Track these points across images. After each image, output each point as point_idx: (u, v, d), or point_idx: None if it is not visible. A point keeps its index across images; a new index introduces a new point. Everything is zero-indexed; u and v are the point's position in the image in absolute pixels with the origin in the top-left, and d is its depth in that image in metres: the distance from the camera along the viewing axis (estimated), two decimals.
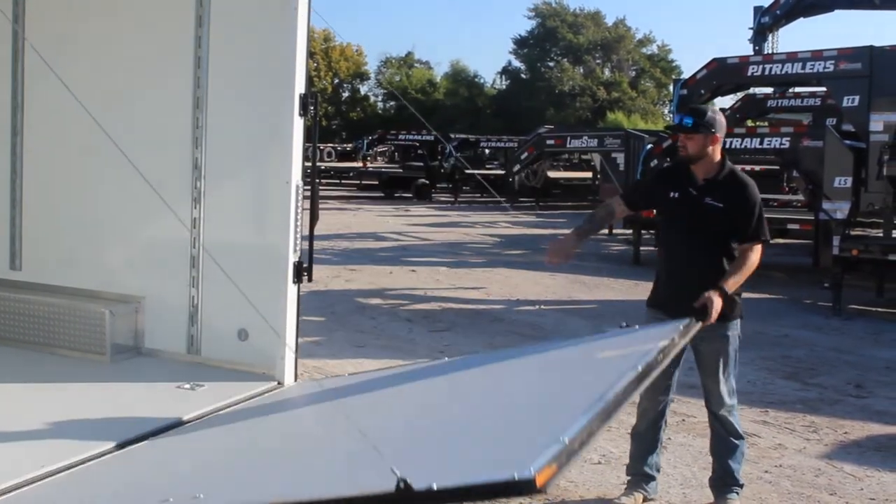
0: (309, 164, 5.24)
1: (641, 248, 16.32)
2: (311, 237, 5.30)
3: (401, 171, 37.27)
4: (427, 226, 23.28)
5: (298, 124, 5.16)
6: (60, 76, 5.88)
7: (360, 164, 38.51)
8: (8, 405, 4.69)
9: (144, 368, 5.51)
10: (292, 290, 5.26)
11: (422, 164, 35.99)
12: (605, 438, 6.08)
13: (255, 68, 5.31)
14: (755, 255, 4.92)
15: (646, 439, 5.28)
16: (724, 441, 5.16)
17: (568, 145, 19.81)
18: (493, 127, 51.86)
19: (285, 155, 5.14)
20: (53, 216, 6.05)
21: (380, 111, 75.20)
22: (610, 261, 16.86)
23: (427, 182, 35.40)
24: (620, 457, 5.65)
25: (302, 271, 5.29)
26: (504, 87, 71.96)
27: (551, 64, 68.37)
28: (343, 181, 39.69)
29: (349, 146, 43.80)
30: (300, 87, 5.13)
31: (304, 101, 5.15)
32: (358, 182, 38.27)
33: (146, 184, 5.61)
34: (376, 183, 36.33)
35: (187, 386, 5.07)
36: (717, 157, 5.05)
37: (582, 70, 67.55)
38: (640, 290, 13.16)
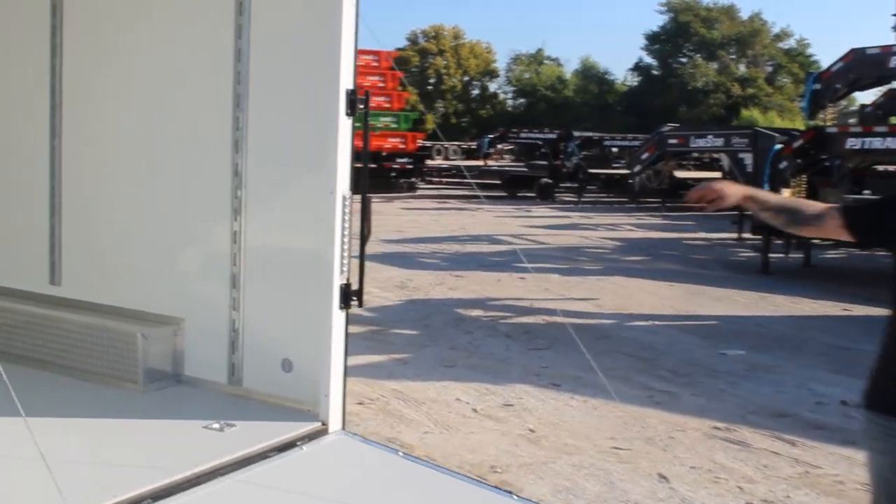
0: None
1: (771, 256, 15.06)
2: (361, 256, 4.55)
3: (525, 169, 36.43)
4: (545, 228, 22.39)
5: (345, 125, 4.45)
6: (97, 77, 5.42)
7: (481, 163, 37.83)
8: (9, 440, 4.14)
9: (176, 401, 4.88)
10: (338, 316, 4.55)
11: (546, 162, 35.01)
12: None
13: (296, 60, 4.61)
14: None
15: None
16: None
17: (691, 145, 18.62)
18: (624, 125, 50.57)
19: (329, 160, 4.43)
20: (92, 227, 5.51)
21: (509, 108, 74.61)
22: (736, 269, 15.67)
23: (550, 181, 34.38)
24: None
25: (350, 295, 4.56)
26: (635, 83, 70.27)
27: (684, 60, 66.49)
28: (464, 180, 39.06)
29: (474, 144, 43.24)
30: (347, 82, 4.41)
31: (352, 99, 4.43)
32: (479, 181, 37.55)
33: (185, 192, 5.13)
34: (498, 182, 35.50)
35: (216, 426, 4.43)
36: None
37: (716, 66, 65.33)
38: (765, 304, 12.10)
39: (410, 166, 34.76)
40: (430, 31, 79.72)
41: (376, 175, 31.61)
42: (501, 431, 6.39)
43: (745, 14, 67.83)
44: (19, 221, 5.79)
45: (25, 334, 5.41)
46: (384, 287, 12.60)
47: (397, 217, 24.35)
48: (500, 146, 39.90)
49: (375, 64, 34.39)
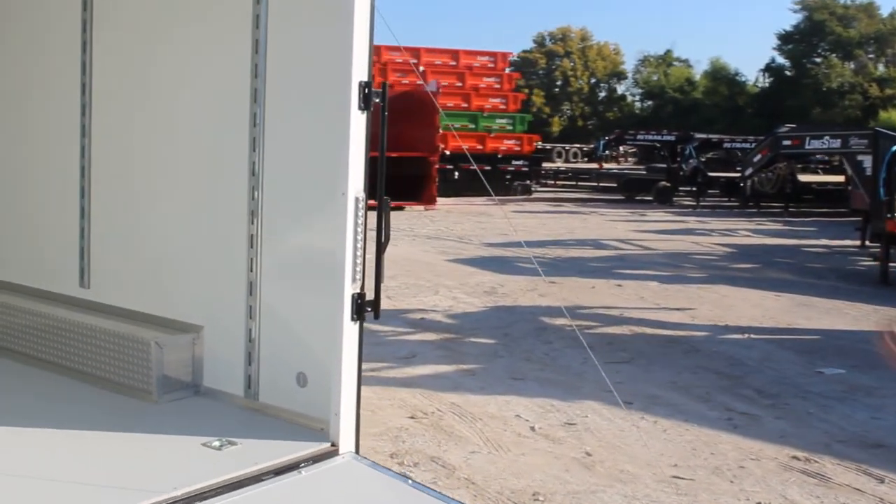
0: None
1: (892, 265, 14.08)
2: (378, 265, 4.18)
3: (643, 172, 35.56)
4: (657, 233, 21.64)
5: (358, 121, 4.06)
6: (125, 75, 5.20)
7: (596, 166, 37.10)
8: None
9: (185, 414, 4.57)
10: (350, 328, 4.16)
11: (665, 165, 34.04)
12: None
13: (310, 50, 4.26)
14: None
15: None
16: None
17: (806, 146, 17.61)
18: (754, 127, 48.91)
19: (340, 159, 4.06)
20: (120, 228, 5.28)
21: (637, 111, 73.50)
22: (852, 279, 14.72)
23: (669, 185, 33.39)
24: None
25: (364, 306, 4.18)
26: (766, 85, 68.11)
27: (818, 60, 64.10)
28: (580, 183, 38.43)
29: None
30: (360, 73, 4.04)
31: (366, 93, 4.05)
32: (595, 184, 36.83)
33: (205, 192, 4.85)
34: (615, 185, 34.72)
35: (216, 444, 4.09)
36: None
37: (852, 65, 62.76)
38: (878, 318, 11.22)
39: (526, 169, 34.28)
40: (557, 32, 79.23)
41: (490, 178, 31.30)
42: (555, 454, 5.93)
43: (885, 11, 65.11)
44: (50, 222, 5.62)
45: (48, 337, 5.25)
46: (471, 293, 12.23)
47: (506, 220, 23.96)
48: (620, 149, 39.09)
49: (492, 65, 34.14)
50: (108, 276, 5.34)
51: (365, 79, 4.04)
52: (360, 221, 4.09)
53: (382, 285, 4.33)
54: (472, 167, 28.37)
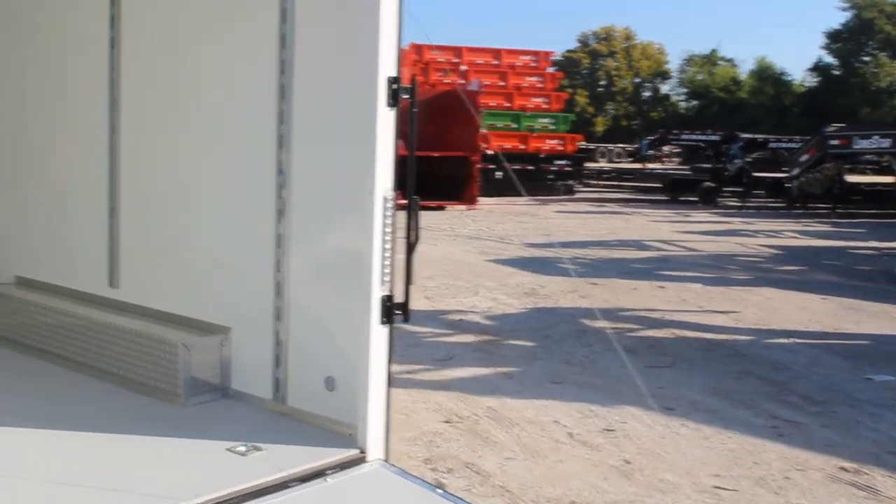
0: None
1: None
2: (408, 266, 4.04)
3: (689, 173, 35.15)
4: (701, 234, 21.33)
5: (386, 117, 3.93)
6: (152, 71, 5.11)
7: (640, 166, 36.73)
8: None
9: (212, 418, 4.48)
10: (379, 332, 4.04)
11: (709, 165, 33.61)
12: None
13: (338, 44, 4.14)
14: None
15: None
16: None
17: (854, 146, 17.24)
18: (801, 127, 48.20)
19: (367, 157, 3.93)
20: (148, 227, 5.20)
21: (682, 111, 72.86)
22: None
23: (713, 185, 32.95)
24: None
25: (393, 308, 4.05)
26: (814, 84, 67.12)
27: (867, 58, 63.02)
28: (623, 183, 38.08)
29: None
30: (388, 68, 3.91)
31: (394, 89, 3.92)
32: (639, 184, 36.47)
33: (232, 191, 4.75)
34: (659, 185, 34.34)
35: (241, 449, 4.01)
36: None
37: None
38: None
39: (569, 168, 34.01)
40: (601, 32, 78.74)
41: (533, 177, 31.11)
42: (593, 461, 5.76)
43: None
44: (81, 221, 5.56)
45: (77, 337, 5.19)
46: (512, 293, 12.06)
47: (548, 220, 23.78)
48: (664, 149, 38.68)
49: (534, 64, 33.93)
50: (137, 276, 5.28)
51: (393, 74, 3.92)
52: (388, 221, 3.97)
53: (414, 287, 4.19)
54: (513, 167, 28.20)
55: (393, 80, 3.91)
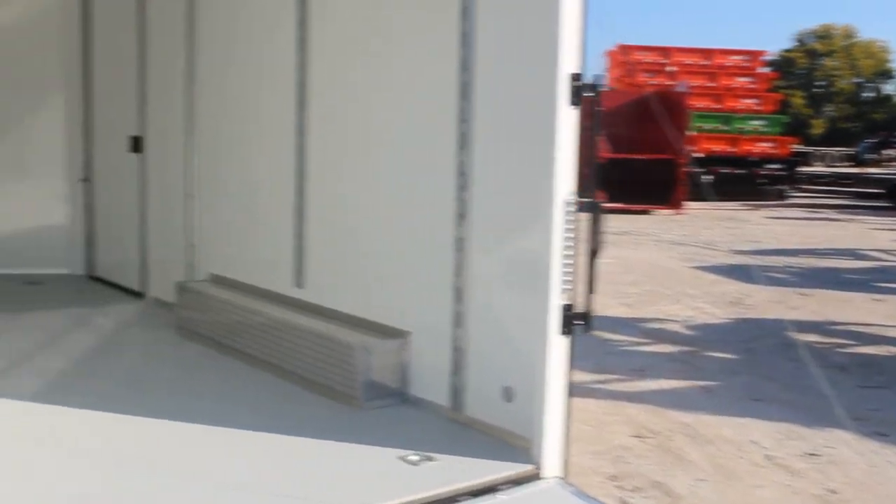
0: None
1: None
2: (591, 273, 3.82)
3: None
4: None
5: (568, 117, 3.74)
6: (341, 72, 5.11)
7: (859, 170, 34.83)
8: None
9: (388, 423, 4.41)
10: (557, 342, 3.85)
11: None
12: None
13: (518, 41, 3.97)
14: None
15: None
16: None
17: None
18: None
19: (548, 158, 3.74)
20: (332, 229, 5.22)
21: None
22: None
23: None
24: None
25: (573, 318, 3.85)
26: None
27: None
28: (840, 189, 36.17)
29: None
30: (569, 65, 3.71)
31: (577, 86, 3.72)
32: (857, 190, 34.56)
33: (413, 192, 4.66)
34: (880, 191, 32.42)
35: (414, 458, 3.90)
36: None
37: None
38: None
39: (782, 172, 32.59)
40: (819, 30, 75.49)
41: (742, 182, 30.01)
42: (793, 488, 5.34)
43: None
44: (272, 221, 5.63)
45: (261, 335, 5.27)
46: (715, 302, 11.55)
47: (758, 227, 22.84)
48: (884, 152, 36.56)
49: (746, 64, 32.73)
50: (321, 276, 5.31)
51: (575, 71, 3.71)
52: (569, 227, 3.77)
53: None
54: (721, 171, 27.25)
55: (575, 78, 3.71)
